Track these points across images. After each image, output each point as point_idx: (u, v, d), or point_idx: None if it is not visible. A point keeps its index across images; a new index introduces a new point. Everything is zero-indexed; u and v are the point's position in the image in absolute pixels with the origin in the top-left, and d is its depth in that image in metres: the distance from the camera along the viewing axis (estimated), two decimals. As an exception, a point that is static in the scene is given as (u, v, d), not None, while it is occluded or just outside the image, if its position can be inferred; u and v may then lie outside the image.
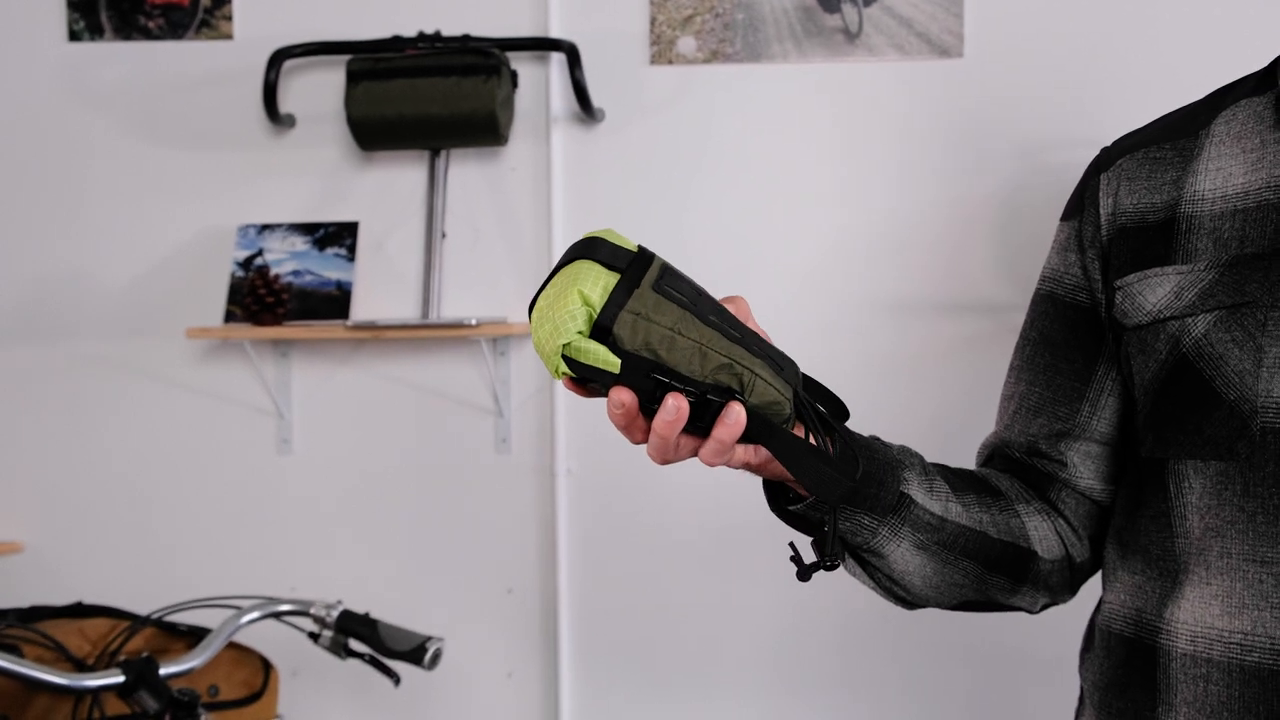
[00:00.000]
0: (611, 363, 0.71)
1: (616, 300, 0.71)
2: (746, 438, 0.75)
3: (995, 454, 1.04)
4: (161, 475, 2.13)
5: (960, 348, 1.94)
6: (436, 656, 1.49)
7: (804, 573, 0.82)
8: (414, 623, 2.02)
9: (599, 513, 2.05)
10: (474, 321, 1.89)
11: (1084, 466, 0.98)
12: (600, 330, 0.71)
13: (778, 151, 1.99)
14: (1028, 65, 1.93)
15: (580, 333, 0.71)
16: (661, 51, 2.01)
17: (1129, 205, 0.95)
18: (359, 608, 1.99)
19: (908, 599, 0.95)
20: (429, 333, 1.93)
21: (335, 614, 1.51)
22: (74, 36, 2.11)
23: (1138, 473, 0.95)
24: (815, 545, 0.84)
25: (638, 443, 0.76)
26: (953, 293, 1.95)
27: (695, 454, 0.76)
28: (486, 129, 1.93)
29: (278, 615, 1.52)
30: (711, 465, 0.76)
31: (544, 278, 0.83)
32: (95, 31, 2.11)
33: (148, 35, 2.10)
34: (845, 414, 0.86)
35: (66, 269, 2.13)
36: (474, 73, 1.90)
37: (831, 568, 0.82)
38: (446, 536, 2.09)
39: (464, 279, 2.05)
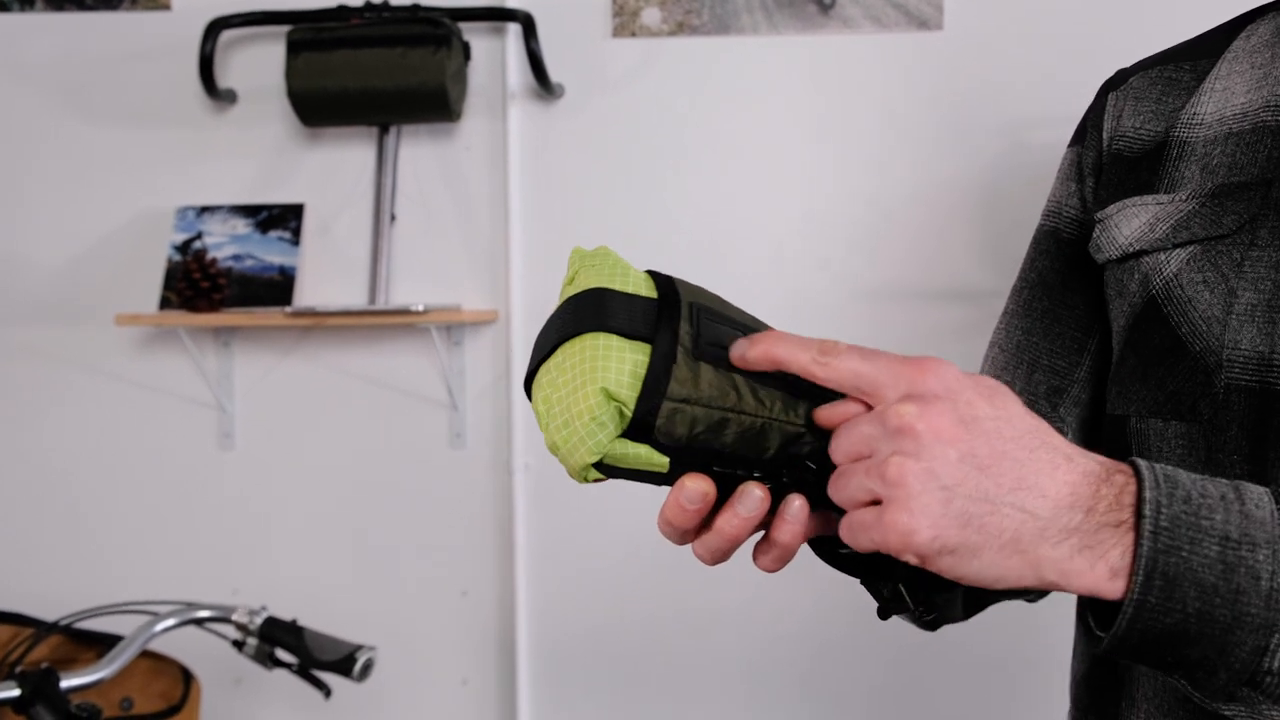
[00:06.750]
0: (659, 463, 0.58)
1: (654, 389, 0.56)
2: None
3: None
4: (93, 471, 2.01)
5: (938, 335, 1.83)
6: (367, 667, 1.38)
7: (884, 611, 0.67)
8: (363, 626, 1.92)
9: (558, 510, 1.94)
10: (421, 308, 1.77)
11: (1083, 434, 0.87)
12: (639, 428, 0.57)
13: (747, 129, 1.88)
14: (1011, 38, 1.82)
15: (616, 438, 0.57)
16: (625, 23, 1.90)
17: (1129, 128, 0.84)
18: (305, 611, 1.88)
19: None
20: (375, 320, 1.82)
21: (259, 621, 1.40)
22: (2, 7, 1.99)
23: (1102, 433, 0.83)
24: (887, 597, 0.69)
25: (686, 543, 0.61)
26: (931, 278, 1.84)
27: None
28: (436, 103, 1.81)
29: (197, 622, 1.41)
30: (772, 571, 0.61)
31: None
32: (25, 1, 1.99)
33: (80, 6, 1.98)
34: None
35: (-7, 252, 2.02)
36: (422, 43, 1.79)
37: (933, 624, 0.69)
38: (398, 536, 1.98)
39: (415, 264, 1.94)
